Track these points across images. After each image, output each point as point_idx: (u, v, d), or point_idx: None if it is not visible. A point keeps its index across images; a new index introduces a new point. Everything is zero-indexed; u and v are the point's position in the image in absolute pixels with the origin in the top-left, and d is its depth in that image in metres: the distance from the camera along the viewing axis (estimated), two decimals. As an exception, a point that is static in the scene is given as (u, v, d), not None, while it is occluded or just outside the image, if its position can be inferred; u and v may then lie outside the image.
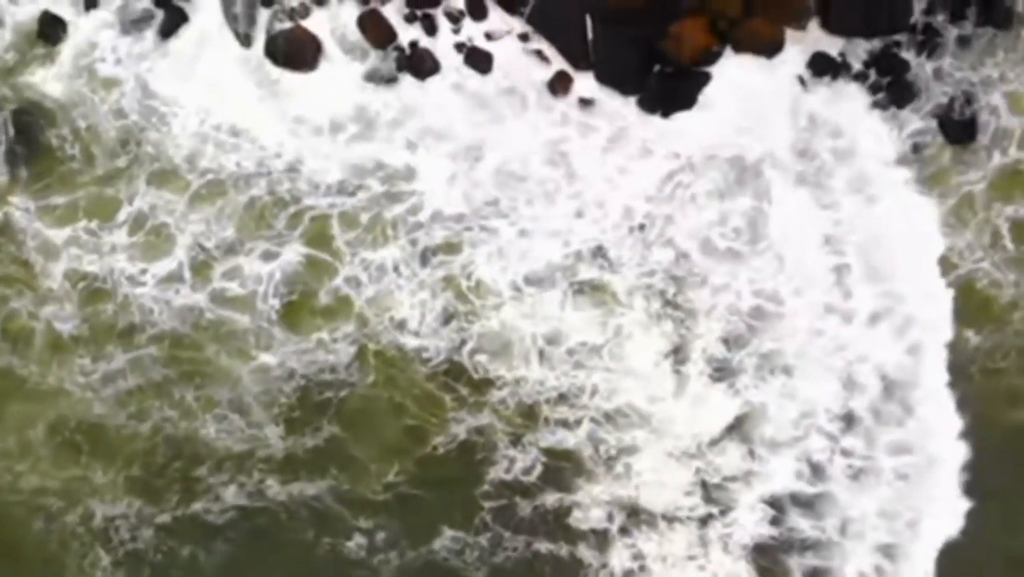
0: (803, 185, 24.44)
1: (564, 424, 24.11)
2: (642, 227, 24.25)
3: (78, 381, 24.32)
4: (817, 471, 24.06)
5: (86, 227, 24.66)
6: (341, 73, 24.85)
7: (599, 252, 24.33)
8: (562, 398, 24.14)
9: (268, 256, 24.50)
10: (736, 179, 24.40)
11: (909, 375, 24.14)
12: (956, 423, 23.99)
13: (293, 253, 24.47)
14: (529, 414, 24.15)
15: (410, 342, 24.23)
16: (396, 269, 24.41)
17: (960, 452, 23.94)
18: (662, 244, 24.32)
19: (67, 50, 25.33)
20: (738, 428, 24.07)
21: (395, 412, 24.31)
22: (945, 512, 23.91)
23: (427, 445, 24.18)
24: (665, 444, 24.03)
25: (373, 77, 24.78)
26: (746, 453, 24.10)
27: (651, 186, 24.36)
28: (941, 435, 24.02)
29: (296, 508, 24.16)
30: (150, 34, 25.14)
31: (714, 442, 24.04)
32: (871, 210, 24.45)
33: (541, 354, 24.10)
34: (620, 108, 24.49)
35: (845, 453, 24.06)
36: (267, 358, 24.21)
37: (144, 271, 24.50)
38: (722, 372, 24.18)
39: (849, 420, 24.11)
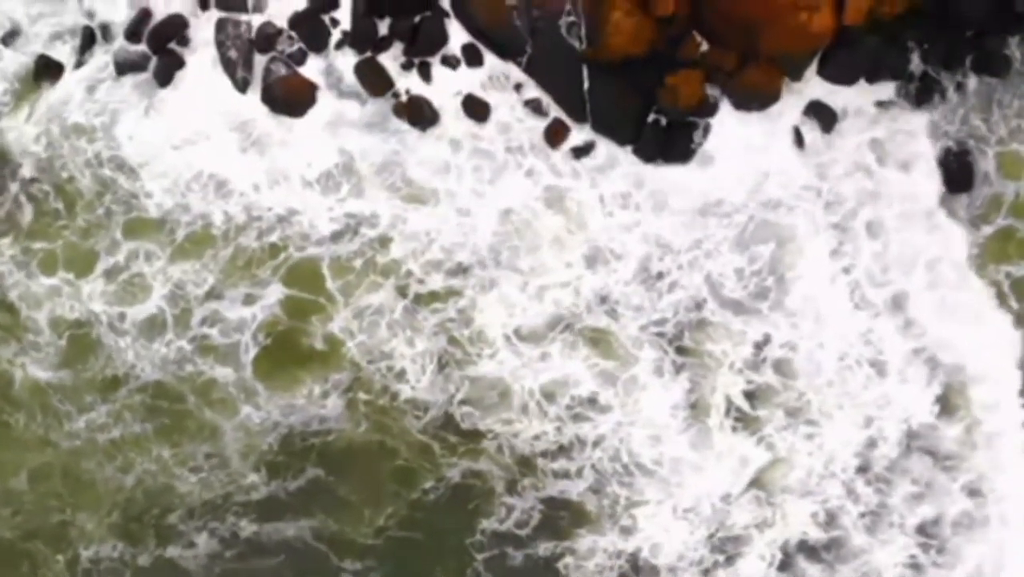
0: (825, 233, 24.41)
1: (565, 475, 23.97)
2: (658, 275, 24.12)
3: (62, 430, 24.25)
4: (832, 519, 23.91)
5: (65, 277, 24.60)
6: (338, 120, 24.87)
7: (606, 301, 24.18)
8: (563, 450, 23.96)
9: (252, 302, 24.37)
10: (754, 229, 24.33)
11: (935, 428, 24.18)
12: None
13: (278, 300, 24.33)
14: (527, 464, 24.01)
15: (403, 391, 24.14)
16: (389, 317, 24.27)
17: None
18: (675, 294, 24.23)
19: (54, 94, 25.29)
20: (756, 479, 23.96)
21: (385, 455, 24.18)
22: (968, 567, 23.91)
23: (418, 489, 24.10)
24: (677, 499, 23.84)
25: (369, 124, 24.80)
26: (763, 501, 23.98)
27: (662, 236, 24.27)
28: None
29: (280, 549, 24.09)
30: (133, 80, 25.04)
31: (730, 497, 23.90)
32: (896, 258, 24.49)
33: (541, 406, 23.95)
34: (626, 159, 24.48)
35: (862, 503, 23.97)
36: (250, 410, 24.15)
37: (123, 316, 24.40)
38: (741, 424, 24.01)
39: (870, 470, 24.02)
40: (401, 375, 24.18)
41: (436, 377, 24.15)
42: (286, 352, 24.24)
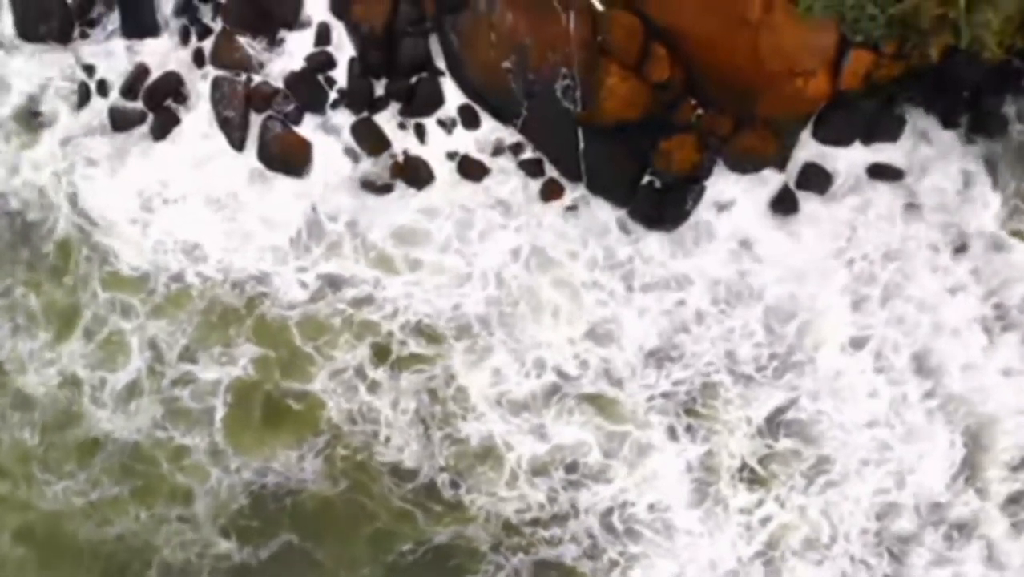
0: (843, 296, 24.42)
1: (558, 542, 23.94)
2: (672, 349, 24.13)
3: (44, 493, 24.38)
4: (843, 577, 23.96)
5: (46, 338, 24.73)
6: (333, 179, 24.90)
7: (608, 372, 24.20)
8: (556, 518, 23.96)
9: (224, 363, 24.44)
10: (774, 303, 24.36)
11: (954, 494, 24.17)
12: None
13: (251, 361, 24.39)
14: (517, 530, 23.98)
15: (383, 455, 24.20)
16: (369, 378, 24.32)
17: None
18: (683, 366, 24.23)
19: (40, 147, 25.36)
20: (766, 544, 24.00)
21: (364, 518, 24.19)
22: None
23: (396, 552, 24.07)
24: (682, 566, 23.85)
25: (366, 184, 24.85)
26: (772, 565, 24.07)
27: (666, 309, 24.35)
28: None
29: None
30: (117, 137, 25.10)
31: (739, 560, 23.92)
32: (918, 320, 24.47)
33: (532, 474, 23.97)
34: (634, 231, 24.55)
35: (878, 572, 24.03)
36: (220, 474, 24.24)
37: (104, 381, 24.58)
38: (752, 486, 24.09)
39: (886, 536, 24.11)
40: (384, 442, 24.21)
41: (419, 441, 24.16)
42: (259, 414, 24.29)
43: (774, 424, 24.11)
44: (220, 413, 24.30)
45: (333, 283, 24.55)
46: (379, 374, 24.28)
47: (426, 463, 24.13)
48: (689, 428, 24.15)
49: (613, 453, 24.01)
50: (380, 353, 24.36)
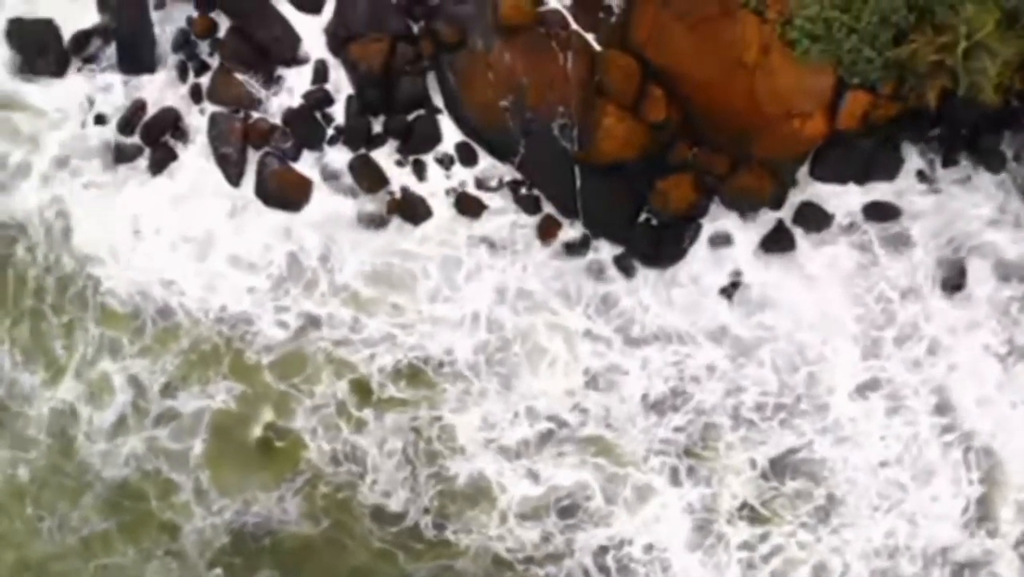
0: (856, 346, 24.40)
1: None
2: (672, 396, 24.14)
3: (38, 529, 24.47)
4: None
5: (42, 375, 24.77)
6: (330, 215, 24.87)
7: (608, 419, 24.15)
8: (550, 557, 23.99)
9: (205, 399, 24.47)
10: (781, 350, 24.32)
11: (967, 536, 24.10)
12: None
13: (233, 398, 24.43)
14: (509, 566, 23.97)
15: (367, 497, 24.20)
16: (353, 418, 24.33)
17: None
18: (687, 412, 24.20)
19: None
20: None
21: (346, 555, 24.19)
22: None
23: None
24: None
25: (363, 221, 24.87)
26: None
27: (669, 360, 24.33)
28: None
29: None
30: (109, 172, 25.13)
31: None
32: (932, 366, 24.42)
33: (525, 515, 23.98)
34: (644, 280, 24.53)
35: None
36: (203, 511, 24.31)
37: (92, 419, 24.61)
38: (755, 523, 24.08)
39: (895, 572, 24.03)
40: (370, 485, 24.24)
41: (405, 484, 24.16)
42: (240, 452, 24.35)
43: (780, 466, 24.11)
44: (199, 450, 24.39)
45: (314, 322, 24.55)
46: (364, 413, 24.33)
47: (411, 507, 24.16)
48: (691, 470, 24.14)
49: (613, 496, 24.01)
50: (362, 393, 24.37)
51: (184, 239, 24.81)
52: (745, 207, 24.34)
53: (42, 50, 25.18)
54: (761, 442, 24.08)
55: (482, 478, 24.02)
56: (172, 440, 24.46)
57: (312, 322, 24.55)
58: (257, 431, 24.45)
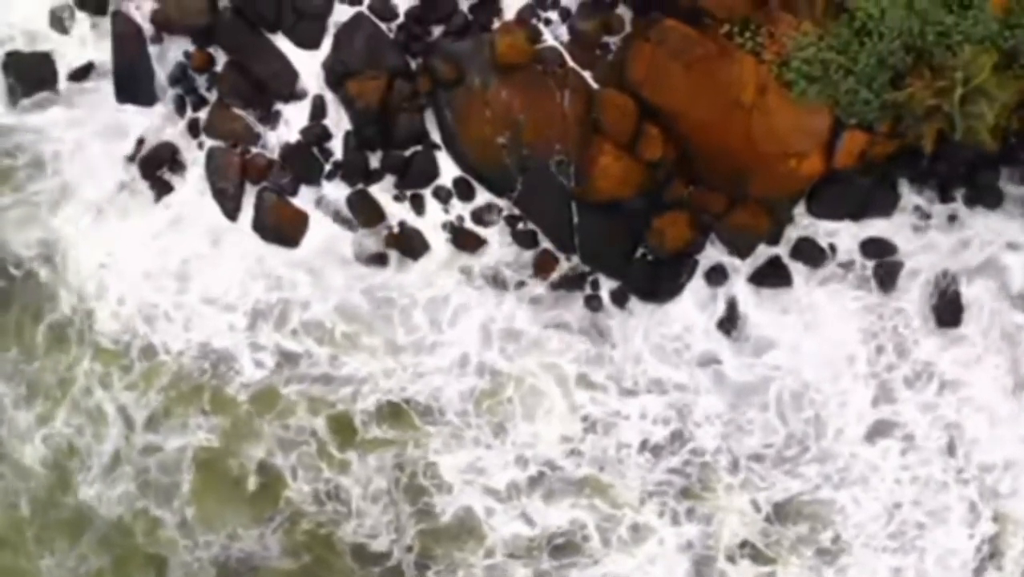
0: (857, 381, 24.44)
1: None
2: (672, 439, 24.16)
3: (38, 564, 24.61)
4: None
5: (40, 410, 24.86)
6: (327, 249, 24.94)
7: (604, 461, 24.20)
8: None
9: (187, 435, 24.55)
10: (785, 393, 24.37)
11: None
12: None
13: (216, 435, 24.52)
14: (503, 603, 24.16)
15: (348, 536, 24.27)
16: (338, 457, 24.42)
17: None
18: (686, 455, 24.24)
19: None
20: None
21: None
22: None
23: None
24: None
25: (361, 255, 24.90)
26: None
27: (668, 403, 24.45)
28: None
29: None
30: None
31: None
32: (938, 405, 24.47)
33: (514, 557, 23.96)
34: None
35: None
36: (189, 544, 24.43)
37: (88, 457, 24.71)
38: (757, 562, 24.04)
39: None
40: (345, 516, 24.33)
41: (388, 524, 24.25)
42: (222, 488, 24.46)
43: (785, 508, 24.14)
44: (183, 486, 24.49)
45: (291, 360, 24.61)
46: (348, 453, 24.39)
47: (395, 547, 24.23)
48: (690, 512, 24.17)
49: (607, 536, 24.05)
50: (345, 433, 24.44)
51: (173, 274, 24.88)
52: (742, 244, 24.33)
53: (40, 83, 25.20)
54: (766, 485, 24.07)
55: (472, 513, 24.09)
56: (155, 473, 24.53)
57: (290, 359, 24.61)
58: (240, 468, 24.55)
